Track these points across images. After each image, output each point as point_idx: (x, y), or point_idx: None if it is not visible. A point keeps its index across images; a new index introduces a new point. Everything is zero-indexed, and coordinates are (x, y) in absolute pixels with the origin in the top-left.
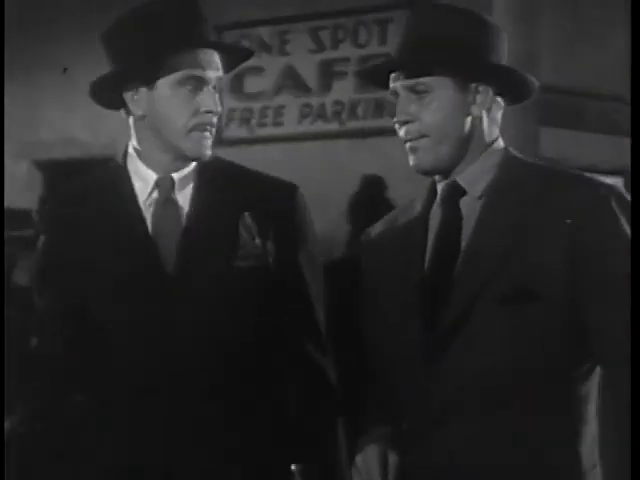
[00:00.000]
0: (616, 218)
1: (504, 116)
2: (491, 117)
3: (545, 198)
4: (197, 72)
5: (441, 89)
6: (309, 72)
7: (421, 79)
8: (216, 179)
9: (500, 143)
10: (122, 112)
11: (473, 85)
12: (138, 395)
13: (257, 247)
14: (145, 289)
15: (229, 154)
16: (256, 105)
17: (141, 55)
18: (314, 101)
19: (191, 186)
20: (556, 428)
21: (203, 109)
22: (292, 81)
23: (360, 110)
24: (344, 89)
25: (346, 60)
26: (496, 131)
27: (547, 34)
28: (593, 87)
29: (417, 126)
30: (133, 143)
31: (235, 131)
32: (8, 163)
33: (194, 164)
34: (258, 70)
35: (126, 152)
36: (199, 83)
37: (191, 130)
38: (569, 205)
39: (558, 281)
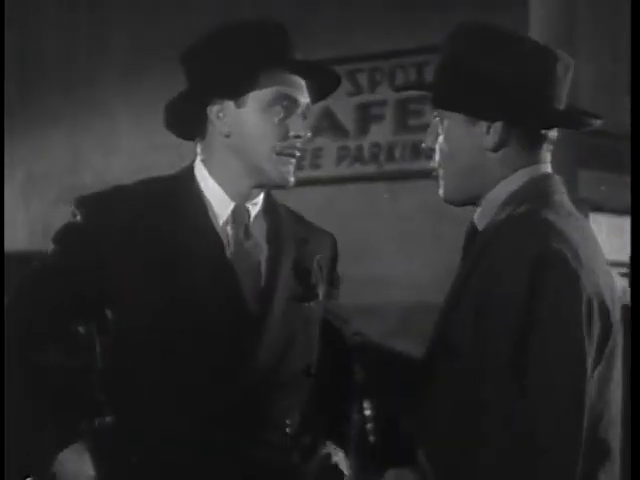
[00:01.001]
0: (529, 270)
1: None
2: (510, 148)
3: (491, 246)
4: (292, 92)
5: (452, 119)
6: (346, 115)
7: (438, 110)
8: (283, 218)
9: (522, 174)
10: (196, 140)
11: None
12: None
13: (321, 289)
14: (225, 319)
15: None
16: None
17: (234, 68)
18: (351, 144)
19: (263, 221)
20: None
21: (292, 133)
22: (329, 124)
23: (397, 152)
24: (381, 132)
25: (383, 103)
26: (522, 160)
27: (585, 75)
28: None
29: (437, 155)
30: (207, 166)
31: None
32: (49, 207)
33: (262, 197)
34: None
35: (193, 174)
36: (291, 105)
37: (278, 154)
38: (493, 255)
39: (468, 333)
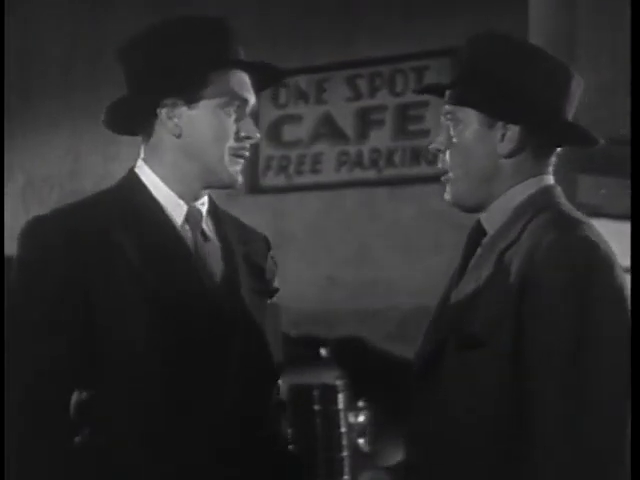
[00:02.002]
0: (579, 275)
1: None
2: (522, 157)
3: (521, 245)
4: (243, 93)
5: (468, 123)
6: (346, 120)
7: (451, 107)
8: (226, 219)
9: (532, 183)
10: (141, 137)
11: (501, 123)
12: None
13: (272, 283)
14: (204, 323)
15: (266, 202)
16: (293, 153)
17: (185, 69)
18: (351, 149)
19: (210, 221)
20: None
21: (243, 134)
22: (329, 129)
23: (397, 158)
24: (381, 137)
25: (383, 108)
26: (532, 169)
27: (585, 82)
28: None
29: (445, 157)
30: (153, 168)
31: (272, 179)
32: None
33: (206, 198)
34: (296, 118)
35: (139, 179)
36: (242, 105)
37: (229, 155)
38: (531, 255)
39: (503, 330)
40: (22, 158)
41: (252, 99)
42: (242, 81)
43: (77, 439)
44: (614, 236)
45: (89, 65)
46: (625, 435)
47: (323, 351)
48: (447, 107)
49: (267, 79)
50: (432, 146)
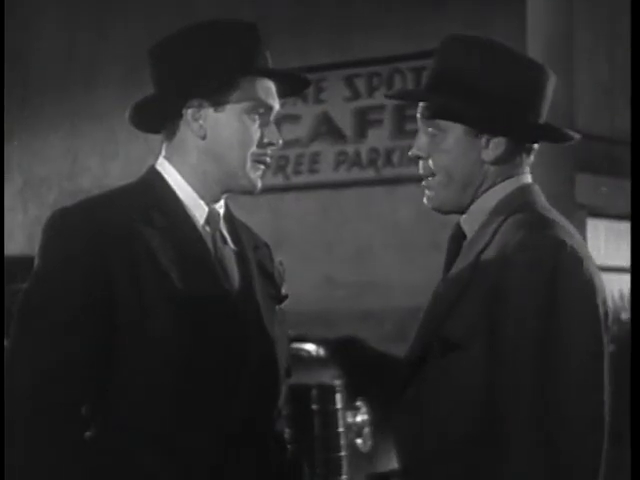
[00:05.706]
0: (545, 273)
1: (541, 162)
2: (503, 158)
3: (494, 246)
4: (267, 99)
5: (452, 132)
6: (344, 120)
7: (435, 120)
8: (239, 223)
9: (508, 184)
10: (163, 136)
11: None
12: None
13: (280, 287)
14: (220, 324)
15: (264, 202)
16: (292, 153)
17: (215, 72)
18: (349, 149)
19: (225, 225)
20: None
21: (266, 140)
22: (327, 129)
23: (395, 157)
24: (379, 137)
25: (381, 108)
26: (510, 170)
27: (583, 82)
28: (628, 134)
29: (428, 164)
30: (176, 167)
31: (270, 179)
32: (47, 211)
33: (223, 202)
34: (294, 118)
35: (162, 177)
36: (267, 112)
37: (251, 160)
38: (501, 255)
39: (479, 332)
40: (20, 158)
41: (276, 106)
42: (268, 88)
43: (88, 434)
44: (613, 235)
45: (88, 66)
46: (601, 433)
47: (321, 351)
48: (426, 114)
49: (293, 87)
50: (412, 152)
